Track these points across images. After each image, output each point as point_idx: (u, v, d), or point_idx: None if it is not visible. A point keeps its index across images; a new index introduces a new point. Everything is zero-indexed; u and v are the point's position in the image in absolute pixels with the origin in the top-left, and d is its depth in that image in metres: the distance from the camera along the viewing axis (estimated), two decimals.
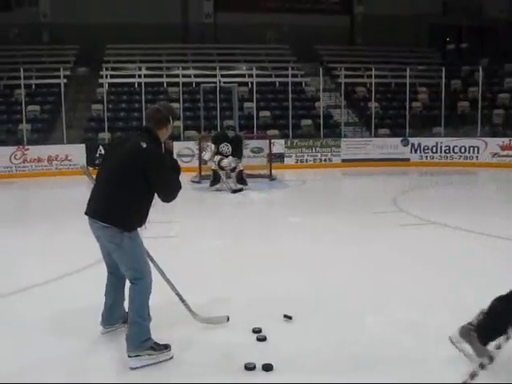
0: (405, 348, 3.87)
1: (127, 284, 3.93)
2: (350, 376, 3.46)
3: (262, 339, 3.98)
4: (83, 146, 16.35)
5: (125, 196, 3.76)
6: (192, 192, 11.19)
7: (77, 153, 16.04)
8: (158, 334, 3.82)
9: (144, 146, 3.73)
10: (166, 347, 3.81)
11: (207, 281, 5.41)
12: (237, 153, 12.25)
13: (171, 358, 3.78)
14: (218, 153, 12.06)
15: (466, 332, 3.63)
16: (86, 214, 3.91)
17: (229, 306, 4.71)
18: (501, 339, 3.26)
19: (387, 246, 6.77)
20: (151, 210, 3.95)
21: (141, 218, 3.91)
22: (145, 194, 3.85)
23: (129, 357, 3.73)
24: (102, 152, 15.18)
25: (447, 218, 8.23)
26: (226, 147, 12.15)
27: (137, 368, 3.68)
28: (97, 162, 16.09)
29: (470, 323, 3.64)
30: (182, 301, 4.26)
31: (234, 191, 11.53)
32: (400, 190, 11.68)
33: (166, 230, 7.94)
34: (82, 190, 13.94)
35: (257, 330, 4.08)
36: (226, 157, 12.07)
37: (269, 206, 10.29)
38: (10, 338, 4.15)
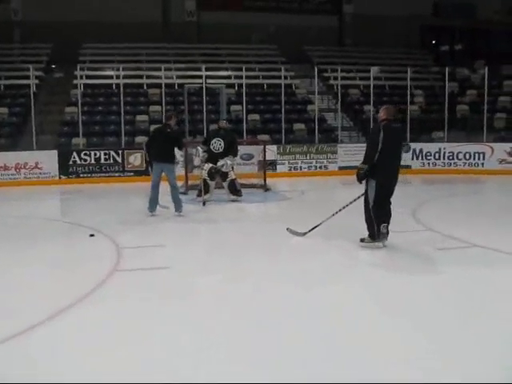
0: None
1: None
2: None
3: None
4: (55, 152, 14.81)
5: None
6: (175, 213, 9.66)
7: (48, 160, 14.53)
8: None
9: None
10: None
11: (209, 349, 3.98)
12: (231, 150, 10.82)
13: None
14: (209, 153, 10.66)
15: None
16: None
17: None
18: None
19: (435, 280, 5.40)
20: None
21: None
22: None
23: (177, 211, 9.11)
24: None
25: (488, 238, 6.89)
26: (217, 143, 10.73)
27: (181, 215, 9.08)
28: (70, 170, 14.67)
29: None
30: None
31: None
32: (415, 202, 10.26)
33: (155, 257, 6.48)
34: (52, 202, 12.79)
35: None
36: (218, 154, 10.66)
37: (268, 223, 8.73)
38: None
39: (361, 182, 6.60)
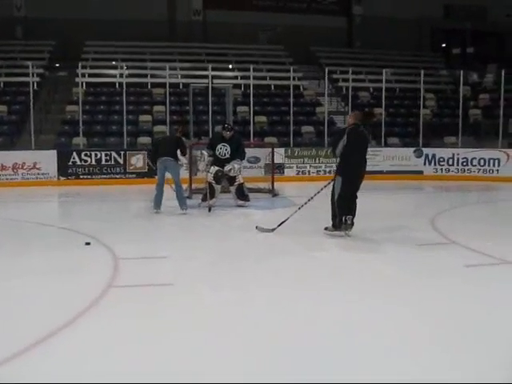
0: None
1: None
2: None
3: None
4: (54, 152, 14.27)
5: None
6: (180, 211, 9.21)
7: (47, 160, 14.00)
8: None
9: None
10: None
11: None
12: (238, 154, 10.25)
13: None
14: (214, 158, 10.11)
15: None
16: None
17: None
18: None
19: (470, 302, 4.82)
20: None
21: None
22: None
23: (182, 208, 9.32)
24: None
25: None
26: (223, 148, 10.15)
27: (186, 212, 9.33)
28: (70, 171, 14.12)
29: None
30: None
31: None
32: (433, 211, 9.61)
33: (156, 271, 5.89)
34: (49, 204, 12.21)
35: None
36: (225, 160, 10.11)
37: (279, 233, 8.04)
38: None
39: None
